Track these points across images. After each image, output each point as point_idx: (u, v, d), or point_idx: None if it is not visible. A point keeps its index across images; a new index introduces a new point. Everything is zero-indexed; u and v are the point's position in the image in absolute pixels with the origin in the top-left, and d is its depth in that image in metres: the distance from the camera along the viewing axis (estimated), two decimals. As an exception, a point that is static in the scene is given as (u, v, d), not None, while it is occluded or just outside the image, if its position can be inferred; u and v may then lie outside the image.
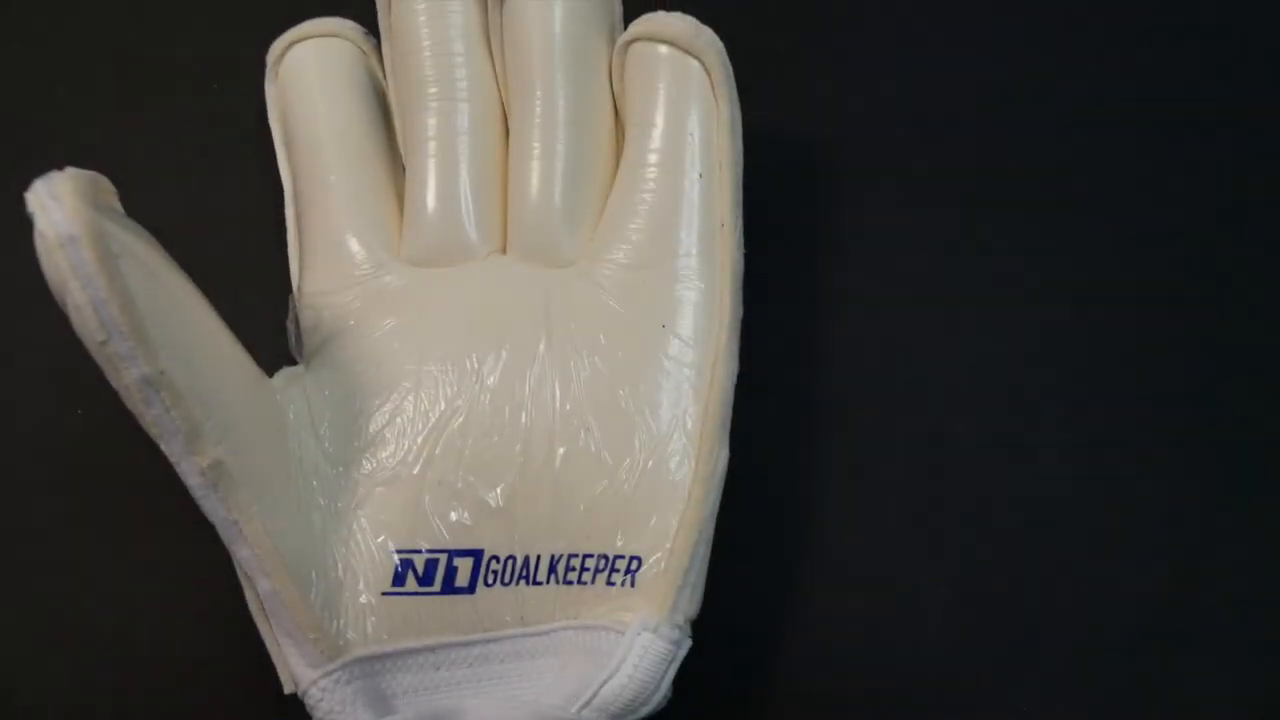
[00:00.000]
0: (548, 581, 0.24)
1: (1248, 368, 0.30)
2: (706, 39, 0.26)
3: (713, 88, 0.26)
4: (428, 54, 0.27)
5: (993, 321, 0.30)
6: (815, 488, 0.29)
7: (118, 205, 0.22)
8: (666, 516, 0.24)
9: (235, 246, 0.29)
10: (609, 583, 0.24)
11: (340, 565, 0.24)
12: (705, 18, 0.26)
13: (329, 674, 0.23)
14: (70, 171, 0.20)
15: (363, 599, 0.24)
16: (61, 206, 0.19)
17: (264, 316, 0.27)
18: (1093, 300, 0.30)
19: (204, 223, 0.30)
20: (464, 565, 0.24)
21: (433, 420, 0.25)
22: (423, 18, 0.27)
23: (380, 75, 0.29)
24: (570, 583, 0.24)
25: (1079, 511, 0.29)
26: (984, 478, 0.29)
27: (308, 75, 0.28)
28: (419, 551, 0.24)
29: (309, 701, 0.23)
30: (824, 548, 0.28)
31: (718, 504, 0.25)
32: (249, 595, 0.24)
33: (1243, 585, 0.28)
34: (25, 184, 0.20)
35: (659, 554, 0.24)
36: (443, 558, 0.24)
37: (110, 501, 0.28)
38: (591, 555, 0.24)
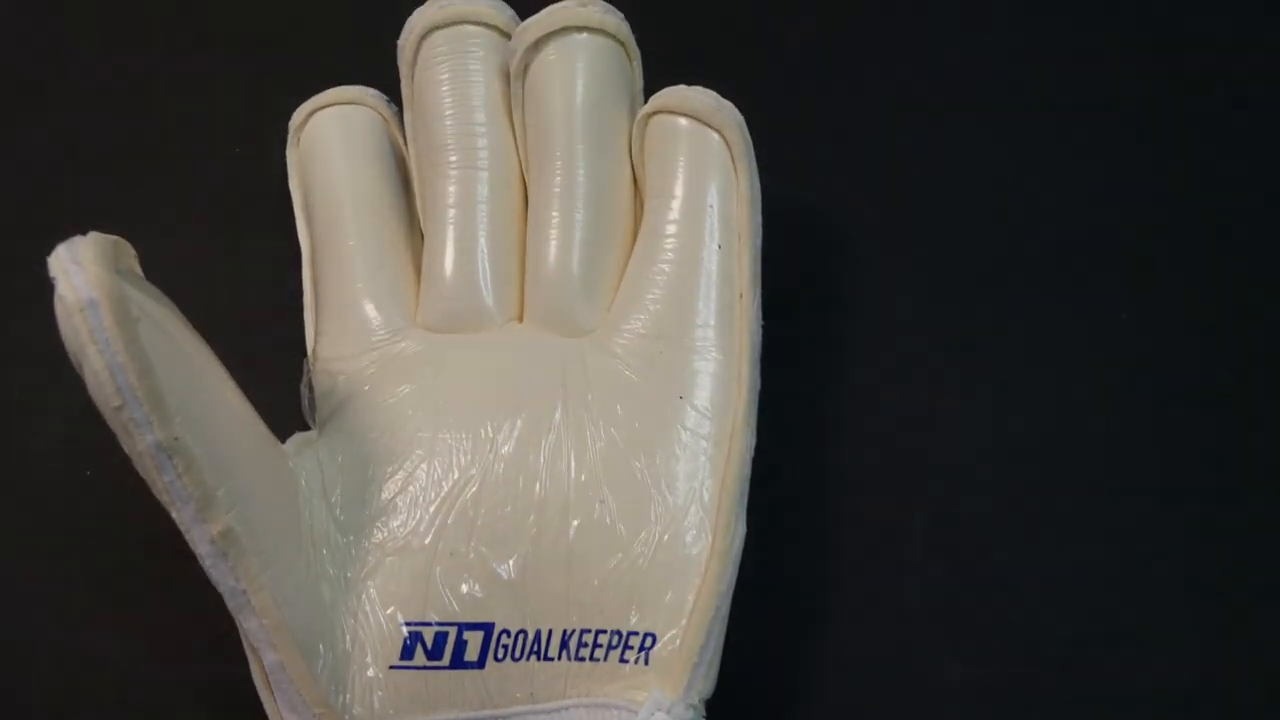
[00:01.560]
0: (559, 657, 0.24)
1: (1273, 447, 0.29)
2: (727, 112, 0.26)
3: (733, 160, 0.26)
4: (449, 122, 0.27)
5: (1012, 397, 0.30)
6: (832, 563, 0.28)
7: (138, 269, 0.22)
8: (682, 592, 0.24)
9: (252, 310, 0.29)
10: (622, 660, 0.24)
11: (348, 637, 0.23)
12: (726, 92, 0.27)
13: (333, 750, 0.22)
14: (93, 236, 0.20)
15: (370, 672, 0.23)
16: (83, 271, 0.19)
17: (279, 380, 0.27)
18: (1113, 379, 0.30)
19: (222, 286, 0.30)
20: (474, 639, 0.24)
21: (445, 489, 0.25)
22: (445, 87, 0.27)
23: (401, 142, 0.29)
24: (582, 659, 0.24)
25: (1100, 597, 0.28)
26: (1003, 558, 0.28)
27: (329, 141, 0.28)
28: (428, 624, 0.24)
29: (312, 778, 0.23)
30: (841, 625, 0.28)
31: (734, 580, 0.24)
32: (253, 666, 0.23)
33: (1272, 677, 0.27)
34: (45, 247, 0.20)
35: (674, 631, 0.24)
36: (452, 631, 0.24)
37: (116, 566, 0.28)
38: (605, 631, 0.24)
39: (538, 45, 0.27)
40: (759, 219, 0.27)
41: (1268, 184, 0.32)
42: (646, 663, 0.24)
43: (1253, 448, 0.29)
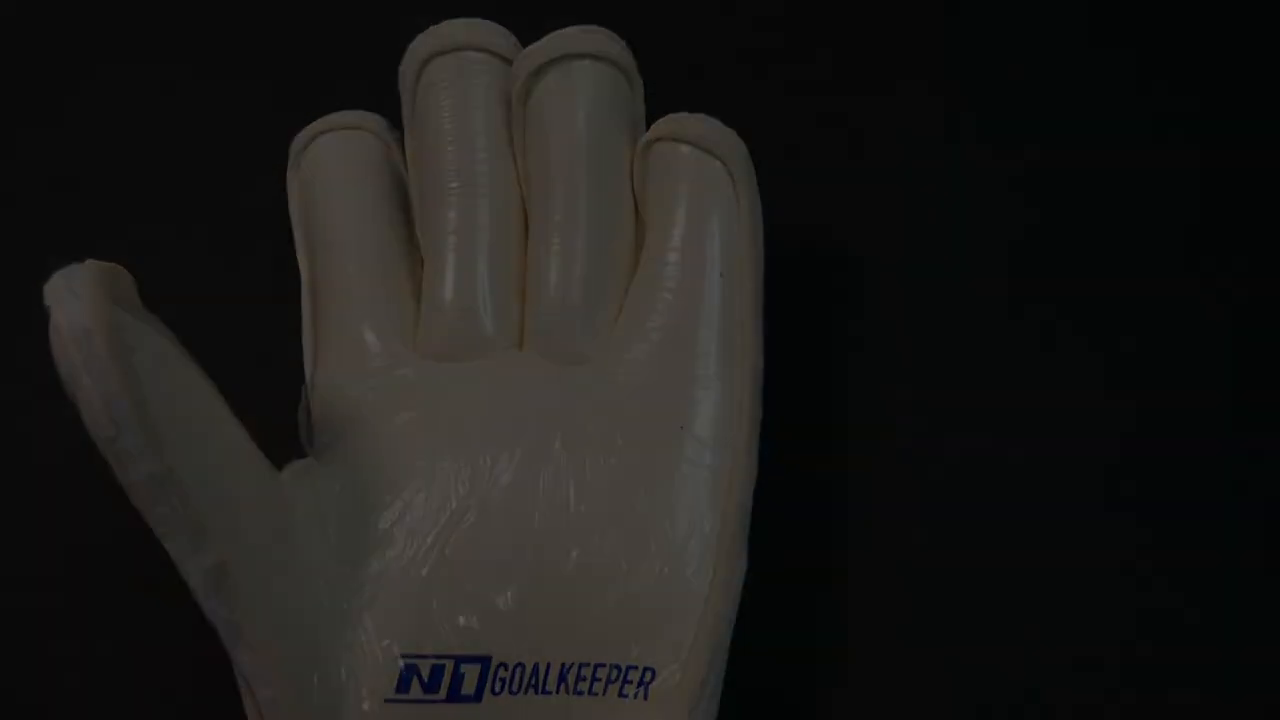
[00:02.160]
0: (557, 691, 0.23)
1: None
2: (730, 140, 0.26)
3: (735, 188, 0.26)
4: (450, 148, 0.27)
5: (1019, 422, 0.29)
6: (836, 595, 0.28)
7: (136, 297, 0.22)
8: (683, 626, 0.23)
9: (250, 335, 0.29)
10: (621, 694, 0.23)
11: (343, 670, 0.23)
12: (728, 120, 0.27)
13: (327, 786, 0.22)
14: (90, 264, 0.20)
15: (365, 706, 0.23)
16: (79, 300, 0.19)
17: (277, 407, 0.26)
18: (1117, 394, 0.30)
19: (220, 312, 0.29)
20: (471, 672, 0.23)
21: (444, 519, 0.24)
22: (446, 113, 0.27)
23: (402, 168, 0.29)
24: (581, 693, 0.23)
25: (1109, 614, 0.28)
26: (1014, 587, 0.28)
27: (330, 166, 0.28)
28: (425, 656, 0.23)
29: (305, 814, 0.22)
30: (845, 660, 0.27)
31: (735, 613, 0.24)
32: (247, 701, 0.23)
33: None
34: (44, 272, 0.20)
35: (674, 665, 0.23)
36: (449, 664, 0.23)
37: (110, 595, 0.28)
38: (604, 665, 0.23)
39: (540, 72, 0.27)
40: (761, 247, 0.26)
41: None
42: (646, 697, 0.23)
43: (1262, 460, 0.29)
